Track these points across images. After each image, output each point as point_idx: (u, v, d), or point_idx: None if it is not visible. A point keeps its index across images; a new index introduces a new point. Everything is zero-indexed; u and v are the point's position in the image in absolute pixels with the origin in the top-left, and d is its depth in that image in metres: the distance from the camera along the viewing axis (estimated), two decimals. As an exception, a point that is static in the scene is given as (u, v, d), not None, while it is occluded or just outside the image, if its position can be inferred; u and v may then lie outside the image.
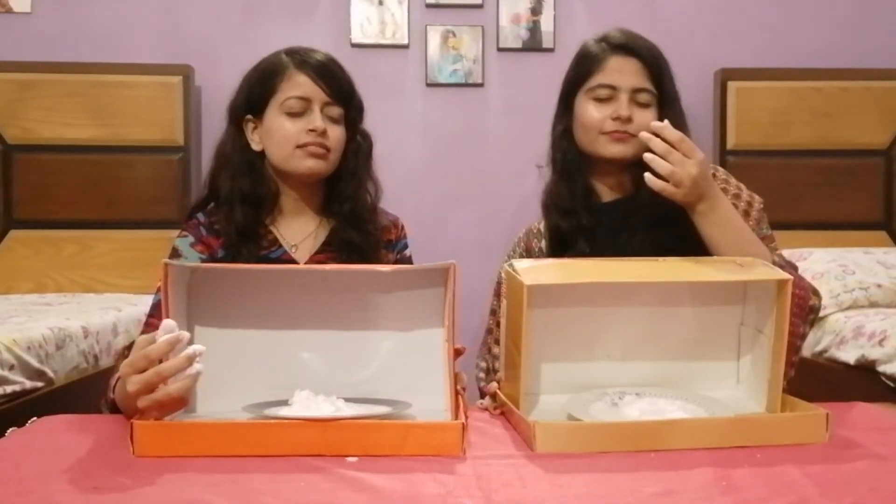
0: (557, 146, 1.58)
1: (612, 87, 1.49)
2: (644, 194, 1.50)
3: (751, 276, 1.20)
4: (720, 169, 1.57)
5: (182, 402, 1.05)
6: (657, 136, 1.34)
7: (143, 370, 1.01)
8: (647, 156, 1.34)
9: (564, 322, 1.24)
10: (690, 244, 1.43)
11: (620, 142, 1.47)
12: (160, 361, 1.02)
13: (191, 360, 1.01)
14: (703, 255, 1.39)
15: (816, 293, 1.45)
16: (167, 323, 1.03)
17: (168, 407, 1.04)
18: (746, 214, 1.50)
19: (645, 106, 1.49)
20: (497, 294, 1.59)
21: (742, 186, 1.54)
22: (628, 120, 1.47)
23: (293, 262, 1.46)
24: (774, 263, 1.33)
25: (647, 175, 1.35)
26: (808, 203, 3.12)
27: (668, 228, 1.46)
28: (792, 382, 1.38)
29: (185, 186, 3.05)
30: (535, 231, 1.63)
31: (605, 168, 1.54)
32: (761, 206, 1.53)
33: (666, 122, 1.35)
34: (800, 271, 2.65)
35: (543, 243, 1.59)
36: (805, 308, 1.40)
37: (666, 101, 1.50)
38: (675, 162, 1.33)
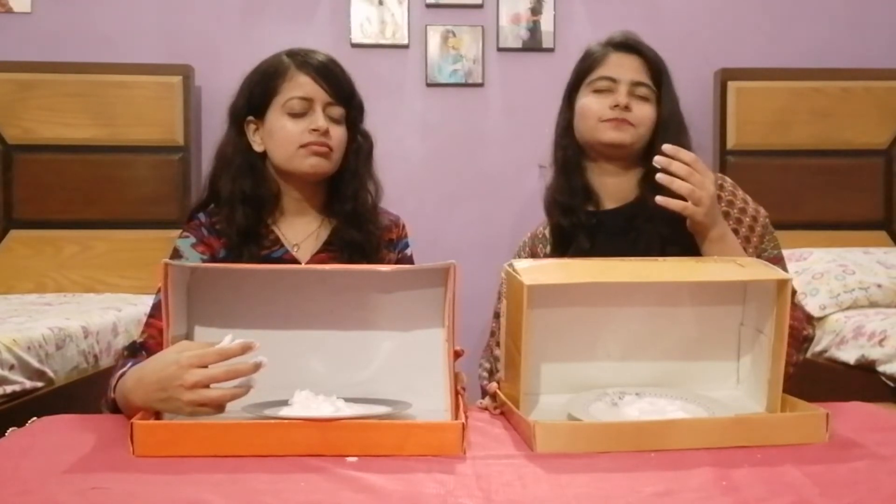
0: (559, 143, 1.59)
1: (612, 80, 1.51)
2: (646, 200, 1.50)
3: (751, 276, 1.20)
4: (727, 180, 1.56)
5: (222, 407, 1.06)
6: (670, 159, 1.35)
7: (206, 366, 1.04)
8: (663, 177, 1.34)
9: (564, 322, 1.24)
10: (693, 250, 1.42)
11: (617, 128, 1.49)
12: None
13: (258, 367, 1.04)
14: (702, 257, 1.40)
15: (811, 321, 1.47)
16: (228, 338, 1.07)
17: (212, 408, 1.05)
18: (751, 229, 1.50)
19: (643, 99, 1.50)
20: (501, 296, 1.59)
21: (748, 199, 1.54)
22: (627, 108, 1.48)
23: (295, 261, 1.46)
24: None
25: (662, 198, 1.35)
26: (808, 203, 3.11)
27: (670, 234, 1.46)
28: (792, 382, 1.38)
29: (185, 186, 3.04)
30: (539, 236, 1.64)
31: (606, 164, 1.55)
32: (766, 219, 1.53)
33: (672, 147, 1.35)
34: (800, 272, 2.68)
35: (548, 249, 1.59)
36: (799, 338, 1.41)
37: (664, 101, 1.51)
38: (695, 182, 1.33)
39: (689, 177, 1.33)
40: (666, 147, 1.35)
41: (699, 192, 1.33)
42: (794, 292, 1.40)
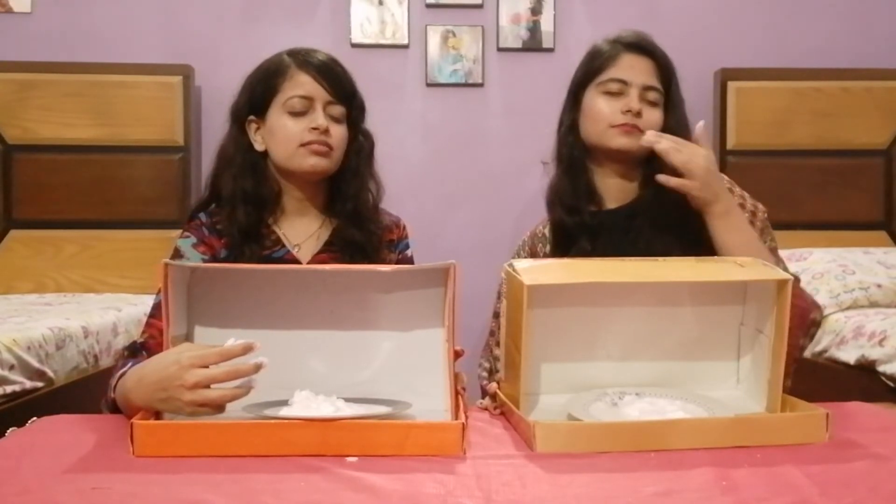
0: (564, 141, 1.58)
1: (624, 82, 1.49)
2: (648, 200, 1.51)
3: (751, 276, 1.20)
4: (724, 176, 1.57)
5: (222, 407, 1.06)
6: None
7: (207, 366, 1.04)
8: (663, 146, 1.40)
9: (564, 322, 1.24)
10: (694, 250, 1.43)
11: (628, 134, 1.48)
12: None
13: (258, 368, 1.04)
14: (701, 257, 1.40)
15: (817, 306, 1.46)
16: (232, 340, 1.07)
17: (212, 408, 1.05)
18: (751, 224, 1.50)
19: (653, 104, 1.50)
20: (500, 296, 1.59)
21: (746, 195, 1.54)
22: (638, 114, 1.48)
23: (296, 261, 1.46)
24: None
25: (661, 176, 1.40)
26: (808, 203, 3.11)
27: (671, 234, 1.46)
28: (792, 382, 1.38)
29: (185, 186, 3.05)
30: (539, 235, 1.63)
31: (611, 166, 1.54)
32: (765, 215, 1.53)
33: (656, 133, 1.42)
34: (800, 272, 2.68)
35: (548, 248, 1.59)
36: (806, 320, 1.41)
37: (671, 104, 1.51)
38: (688, 154, 1.39)
39: (682, 149, 1.40)
40: (652, 133, 1.42)
41: (693, 165, 1.39)
42: (797, 280, 1.40)
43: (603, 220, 1.54)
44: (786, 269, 1.43)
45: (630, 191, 1.56)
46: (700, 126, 1.45)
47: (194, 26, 3.18)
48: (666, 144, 1.39)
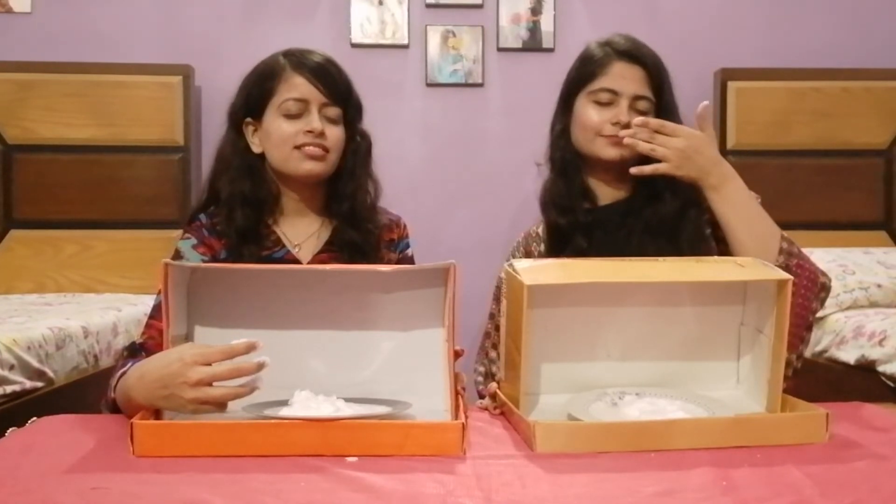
0: (556, 145, 1.58)
1: (614, 92, 1.49)
2: (641, 196, 1.51)
3: (751, 276, 1.20)
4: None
5: (224, 406, 1.06)
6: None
7: (209, 364, 1.04)
8: (629, 141, 1.42)
9: (564, 322, 1.24)
10: (689, 245, 1.43)
11: (618, 145, 1.48)
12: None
13: (261, 367, 1.04)
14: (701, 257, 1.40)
15: (824, 272, 1.48)
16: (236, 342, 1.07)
17: (214, 406, 1.05)
18: None
19: (643, 113, 1.49)
20: (496, 298, 1.59)
21: None
22: (627, 126, 1.47)
23: (296, 262, 1.46)
24: (783, 239, 1.41)
25: (635, 168, 1.43)
26: (808, 203, 3.11)
27: (665, 230, 1.47)
28: (794, 376, 1.39)
29: (185, 186, 3.05)
30: (533, 235, 1.64)
31: (602, 168, 1.55)
32: (758, 199, 1.54)
33: (642, 118, 1.44)
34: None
35: (542, 247, 1.59)
36: (816, 283, 1.44)
37: (663, 111, 1.51)
38: (658, 142, 1.41)
39: (651, 139, 1.42)
40: (636, 120, 1.43)
41: (661, 149, 1.41)
42: (800, 249, 1.41)
43: (598, 217, 1.54)
44: (789, 241, 1.43)
45: (624, 188, 1.56)
46: (701, 107, 1.46)
47: (194, 26, 3.18)
48: (643, 135, 1.42)
